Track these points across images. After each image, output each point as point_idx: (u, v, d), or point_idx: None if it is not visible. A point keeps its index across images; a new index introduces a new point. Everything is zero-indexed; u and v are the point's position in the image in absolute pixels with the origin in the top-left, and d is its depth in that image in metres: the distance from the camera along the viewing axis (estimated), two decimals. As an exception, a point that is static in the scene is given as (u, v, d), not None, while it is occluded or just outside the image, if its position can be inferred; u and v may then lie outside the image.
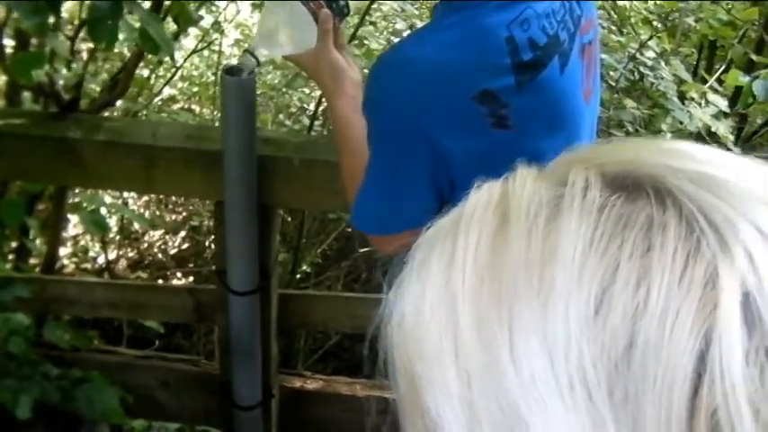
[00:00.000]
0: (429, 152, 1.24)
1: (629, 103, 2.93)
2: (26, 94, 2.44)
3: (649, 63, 2.79)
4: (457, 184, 1.28)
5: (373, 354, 0.52)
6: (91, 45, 2.56)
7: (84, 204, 2.29)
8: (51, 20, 1.59)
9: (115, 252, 4.80)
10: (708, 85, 2.24)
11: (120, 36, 1.72)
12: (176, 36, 3.31)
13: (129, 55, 2.28)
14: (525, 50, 1.22)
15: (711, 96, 2.18)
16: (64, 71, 2.12)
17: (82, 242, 4.72)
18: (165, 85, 3.69)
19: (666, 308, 0.40)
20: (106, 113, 2.36)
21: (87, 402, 1.89)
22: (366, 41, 3.45)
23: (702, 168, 0.45)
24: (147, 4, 1.92)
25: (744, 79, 2.02)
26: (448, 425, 0.45)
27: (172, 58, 1.69)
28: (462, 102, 1.20)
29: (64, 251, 4.69)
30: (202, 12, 3.59)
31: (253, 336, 2.13)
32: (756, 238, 0.41)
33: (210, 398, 2.35)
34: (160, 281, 4.52)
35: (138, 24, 1.67)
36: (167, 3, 1.90)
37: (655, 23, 3.31)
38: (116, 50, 2.70)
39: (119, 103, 3.53)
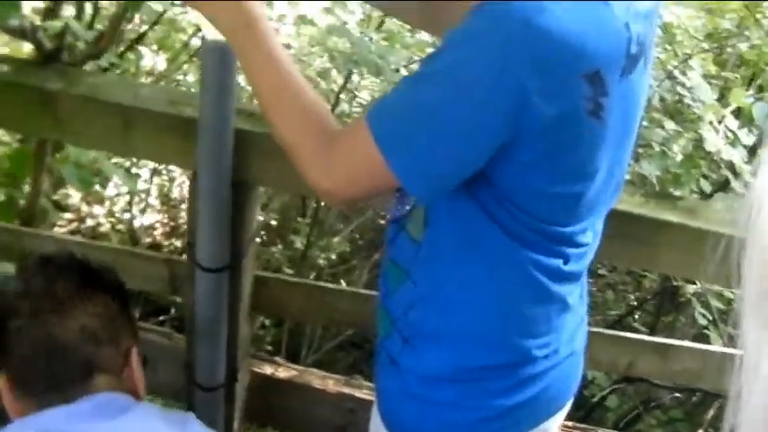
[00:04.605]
0: (516, 112, 1.08)
1: (669, 124, 2.77)
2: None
3: (689, 84, 2.63)
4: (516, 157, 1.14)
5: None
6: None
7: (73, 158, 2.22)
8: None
9: (151, 218, 4.81)
10: (730, 109, 2.08)
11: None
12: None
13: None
14: (634, 42, 1.13)
15: (729, 121, 2.03)
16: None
17: (120, 203, 4.73)
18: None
19: None
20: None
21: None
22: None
23: None
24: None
25: (747, 101, 1.87)
26: None
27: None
28: (573, 75, 1.07)
29: (100, 210, 4.72)
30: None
31: (217, 315, 2.04)
32: None
33: (178, 373, 2.27)
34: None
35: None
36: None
37: (704, 45, 3.14)
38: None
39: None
